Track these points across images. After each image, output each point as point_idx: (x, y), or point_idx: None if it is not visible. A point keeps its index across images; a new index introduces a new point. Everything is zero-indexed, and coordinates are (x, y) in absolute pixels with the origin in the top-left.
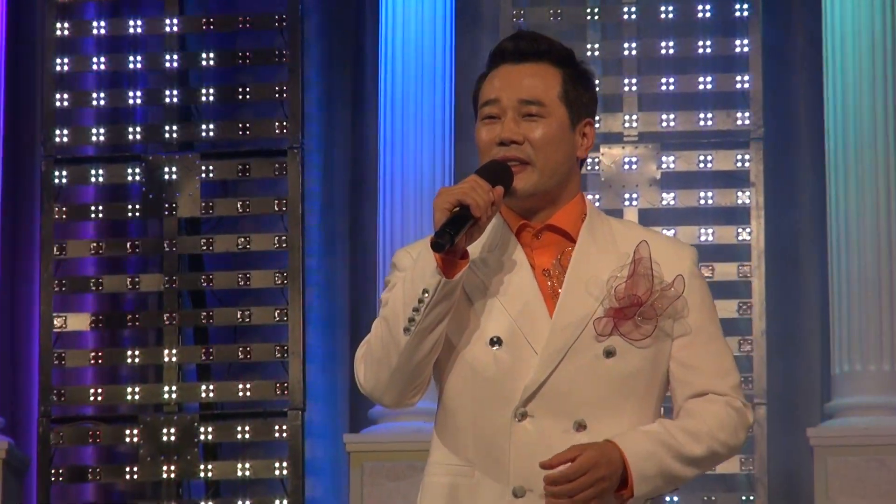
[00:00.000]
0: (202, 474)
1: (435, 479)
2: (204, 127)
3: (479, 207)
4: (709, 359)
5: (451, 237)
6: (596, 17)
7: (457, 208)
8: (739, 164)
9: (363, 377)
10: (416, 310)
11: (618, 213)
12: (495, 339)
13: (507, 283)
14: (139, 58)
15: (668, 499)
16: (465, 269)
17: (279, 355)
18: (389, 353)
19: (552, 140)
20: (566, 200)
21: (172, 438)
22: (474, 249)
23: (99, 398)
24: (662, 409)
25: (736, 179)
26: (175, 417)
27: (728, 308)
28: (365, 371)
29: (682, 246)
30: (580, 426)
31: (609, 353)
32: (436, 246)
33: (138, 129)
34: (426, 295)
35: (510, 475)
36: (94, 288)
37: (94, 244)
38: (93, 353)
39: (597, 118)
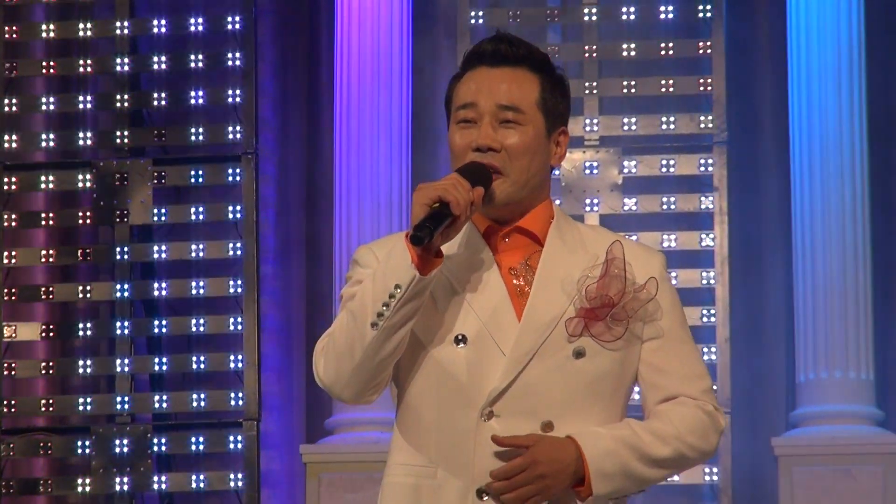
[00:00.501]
0: (156, 486)
1: (397, 480)
2: (156, 132)
3: (460, 205)
4: (680, 363)
5: (430, 231)
6: (556, 19)
7: (436, 204)
8: (703, 169)
9: (322, 370)
10: (385, 305)
11: (579, 219)
12: (461, 338)
13: (473, 281)
14: (89, 61)
15: None
16: (439, 268)
17: (234, 365)
18: (354, 347)
19: (528, 148)
20: (536, 205)
21: (125, 450)
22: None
23: (50, 409)
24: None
25: (699, 184)
26: (128, 428)
27: (691, 315)
28: (325, 364)
29: (652, 251)
30: (547, 426)
31: (579, 354)
32: (415, 239)
33: (89, 134)
34: (398, 290)
35: (474, 475)
36: (44, 297)
37: (45, 252)
38: (43, 364)
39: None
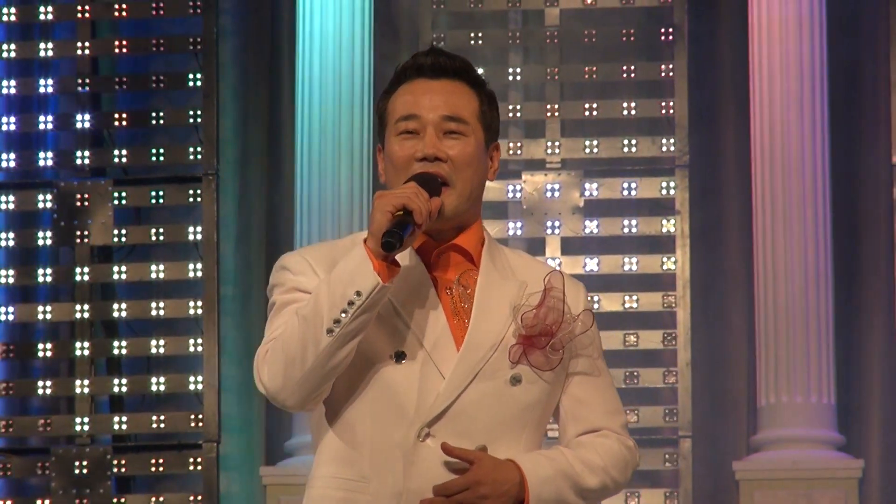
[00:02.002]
0: None
1: (327, 493)
2: (116, 152)
3: (422, 214)
4: (602, 397)
5: (400, 238)
6: (518, 41)
7: (400, 212)
8: (664, 192)
9: (267, 377)
10: (344, 311)
11: (540, 242)
12: (399, 354)
13: (410, 298)
14: (50, 81)
15: None
16: (398, 277)
17: (194, 386)
18: (306, 353)
19: (471, 160)
20: (471, 224)
21: (85, 471)
22: None
23: (9, 430)
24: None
25: (661, 207)
26: (87, 449)
27: (652, 338)
28: (270, 371)
29: (576, 282)
30: (481, 451)
31: (516, 381)
32: (386, 246)
33: (49, 154)
34: (358, 297)
35: (408, 495)
36: (3, 317)
37: (4, 272)
38: (3, 384)
39: (518, 144)
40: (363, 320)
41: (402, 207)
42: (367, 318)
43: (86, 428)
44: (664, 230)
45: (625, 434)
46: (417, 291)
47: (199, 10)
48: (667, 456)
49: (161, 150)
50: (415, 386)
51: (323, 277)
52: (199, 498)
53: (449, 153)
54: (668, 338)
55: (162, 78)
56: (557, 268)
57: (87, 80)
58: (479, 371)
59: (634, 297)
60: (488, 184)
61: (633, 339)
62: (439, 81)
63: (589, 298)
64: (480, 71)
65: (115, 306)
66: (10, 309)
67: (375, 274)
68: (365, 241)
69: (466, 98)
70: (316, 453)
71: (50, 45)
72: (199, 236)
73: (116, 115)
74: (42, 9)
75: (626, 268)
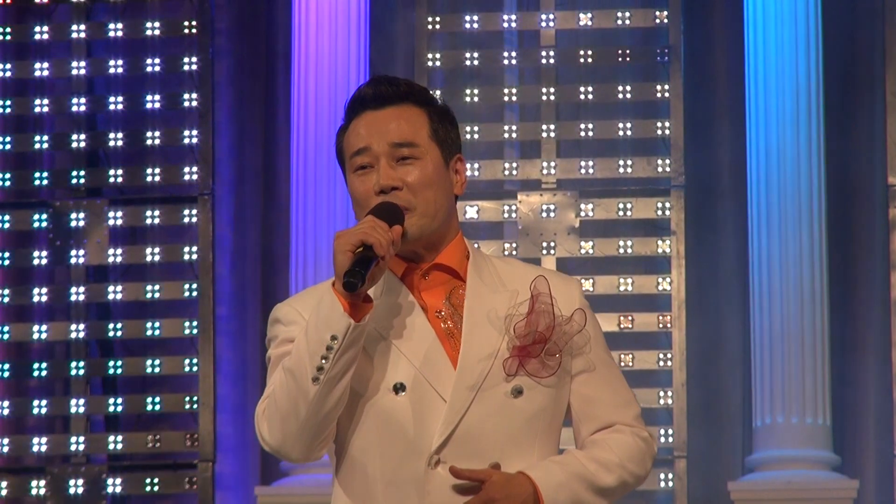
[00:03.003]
0: None
1: None
2: (112, 172)
3: (383, 246)
4: (610, 391)
5: (362, 276)
6: (513, 62)
7: (360, 249)
8: (660, 213)
9: (268, 433)
10: (324, 358)
11: (535, 262)
12: (398, 386)
13: (401, 328)
14: (45, 101)
15: None
16: (371, 312)
17: (189, 406)
18: (297, 406)
19: (430, 181)
20: (449, 239)
21: (80, 490)
22: None
23: (4, 449)
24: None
25: (656, 228)
26: (83, 469)
27: (648, 359)
28: (269, 427)
29: (568, 279)
30: (495, 468)
31: (518, 393)
32: (349, 286)
33: (45, 174)
34: (335, 341)
35: None
36: None
37: (0, 291)
38: None
39: (514, 164)
40: (346, 361)
41: (361, 243)
42: (350, 358)
43: (81, 447)
44: (660, 251)
45: (639, 425)
46: (408, 320)
47: (194, 31)
48: (662, 476)
49: (157, 170)
50: (418, 415)
51: (302, 326)
52: None
53: (406, 179)
54: (664, 358)
55: (157, 98)
56: (546, 268)
57: (83, 100)
58: (478, 389)
59: (630, 318)
60: (484, 204)
61: (628, 359)
62: (384, 110)
63: (582, 294)
64: (475, 91)
65: (111, 326)
66: (6, 328)
67: (346, 315)
68: (333, 283)
69: (415, 120)
70: (333, 493)
71: (45, 64)
72: (194, 256)
73: (112, 135)
74: (38, 28)
75: (622, 288)
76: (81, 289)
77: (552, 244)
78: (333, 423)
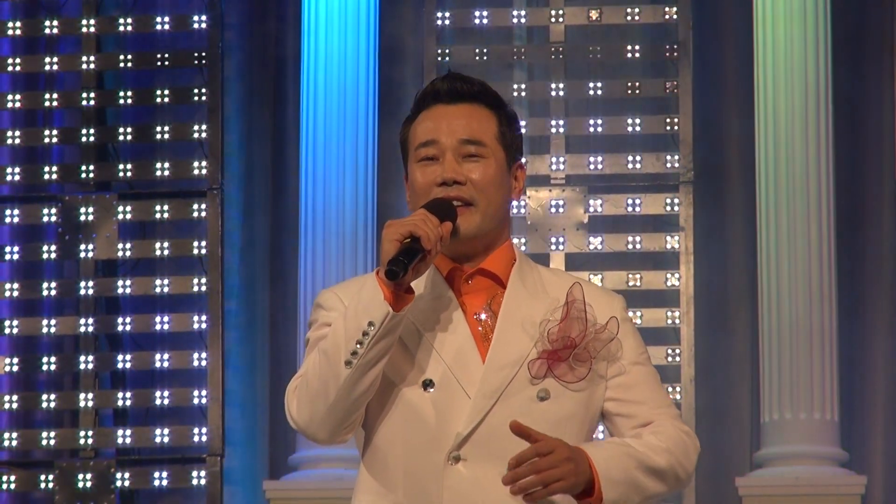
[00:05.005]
0: None
1: None
2: (121, 167)
3: (430, 240)
4: (649, 394)
5: (405, 266)
6: (522, 57)
7: (407, 240)
8: (668, 208)
9: (296, 412)
10: (359, 343)
11: (544, 258)
12: (428, 382)
13: (439, 326)
14: (55, 95)
15: None
16: (412, 304)
17: (198, 400)
18: (328, 387)
19: (493, 181)
20: (499, 244)
21: (88, 484)
22: None
23: (13, 443)
24: None
25: (665, 223)
26: (91, 463)
27: (656, 355)
28: (298, 405)
29: (611, 294)
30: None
31: (543, 397)
32: (391, 274)
33: (54, 168)
34: (372, 327)
35: None
36: (8, 331)
37: (9, 286)
38: (7, 397)
39: (523, 160)
40: (380, 349)
41: (409, 235)
42: (384, 346)
43: (90, 441)
44: (668, 246)
45: (679, 422)
46: (446, 319)
47: (204, 26)
48: None
49: (166, 165)
50: (443, 411)
51: (341, 312)
52: None
53: (470, 176)
54: (672, 354)
55: (167, 93)
56: (597, 276)
57: (93, 95)
58: (504, 390)
59: (639, 314)
60: None
61: None
62: (457, 106)
63: (625, 309)
64: None
65: (120, 320)
66: (15, 322)
67: (386, 303)
68: (377, 271)
69: (485, 120)
70: (357, 476)
71: (55, 59)
72: (203, 250)
73: (121, 130)
74: (47, 23)
75: (631, 284)
76: (90, 283)
77: (561, 240)
78: (361, 409)
